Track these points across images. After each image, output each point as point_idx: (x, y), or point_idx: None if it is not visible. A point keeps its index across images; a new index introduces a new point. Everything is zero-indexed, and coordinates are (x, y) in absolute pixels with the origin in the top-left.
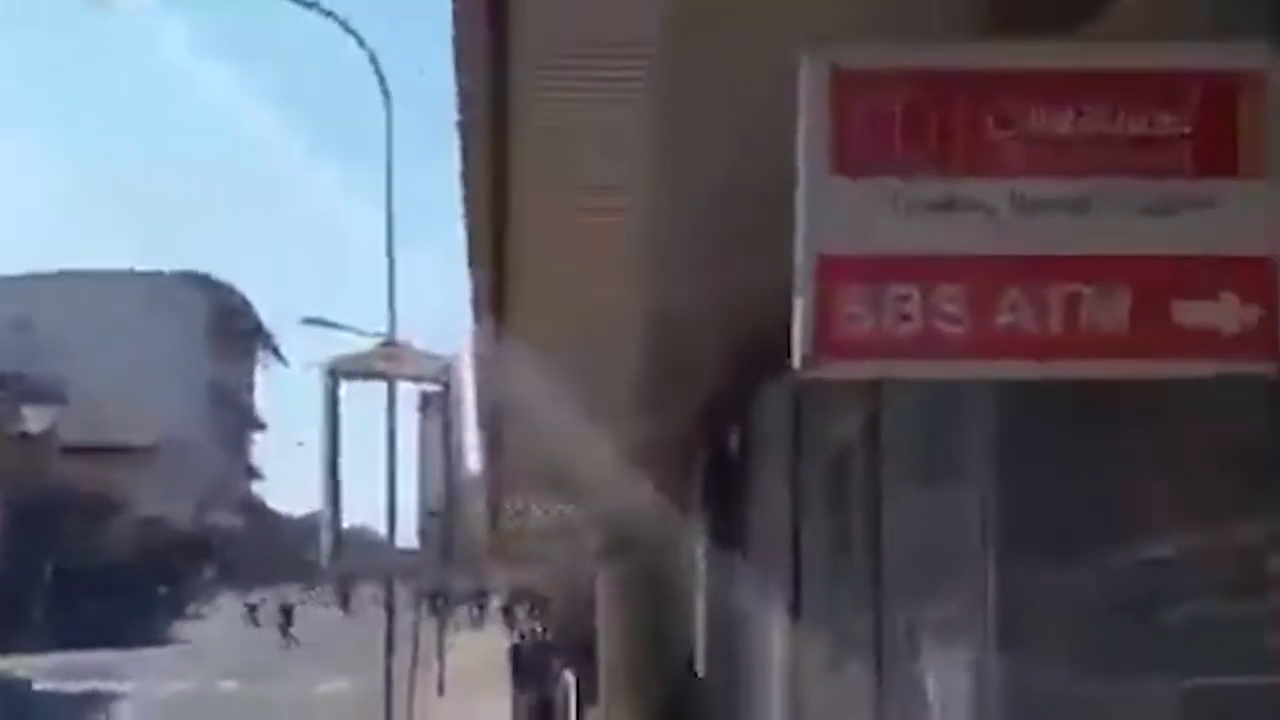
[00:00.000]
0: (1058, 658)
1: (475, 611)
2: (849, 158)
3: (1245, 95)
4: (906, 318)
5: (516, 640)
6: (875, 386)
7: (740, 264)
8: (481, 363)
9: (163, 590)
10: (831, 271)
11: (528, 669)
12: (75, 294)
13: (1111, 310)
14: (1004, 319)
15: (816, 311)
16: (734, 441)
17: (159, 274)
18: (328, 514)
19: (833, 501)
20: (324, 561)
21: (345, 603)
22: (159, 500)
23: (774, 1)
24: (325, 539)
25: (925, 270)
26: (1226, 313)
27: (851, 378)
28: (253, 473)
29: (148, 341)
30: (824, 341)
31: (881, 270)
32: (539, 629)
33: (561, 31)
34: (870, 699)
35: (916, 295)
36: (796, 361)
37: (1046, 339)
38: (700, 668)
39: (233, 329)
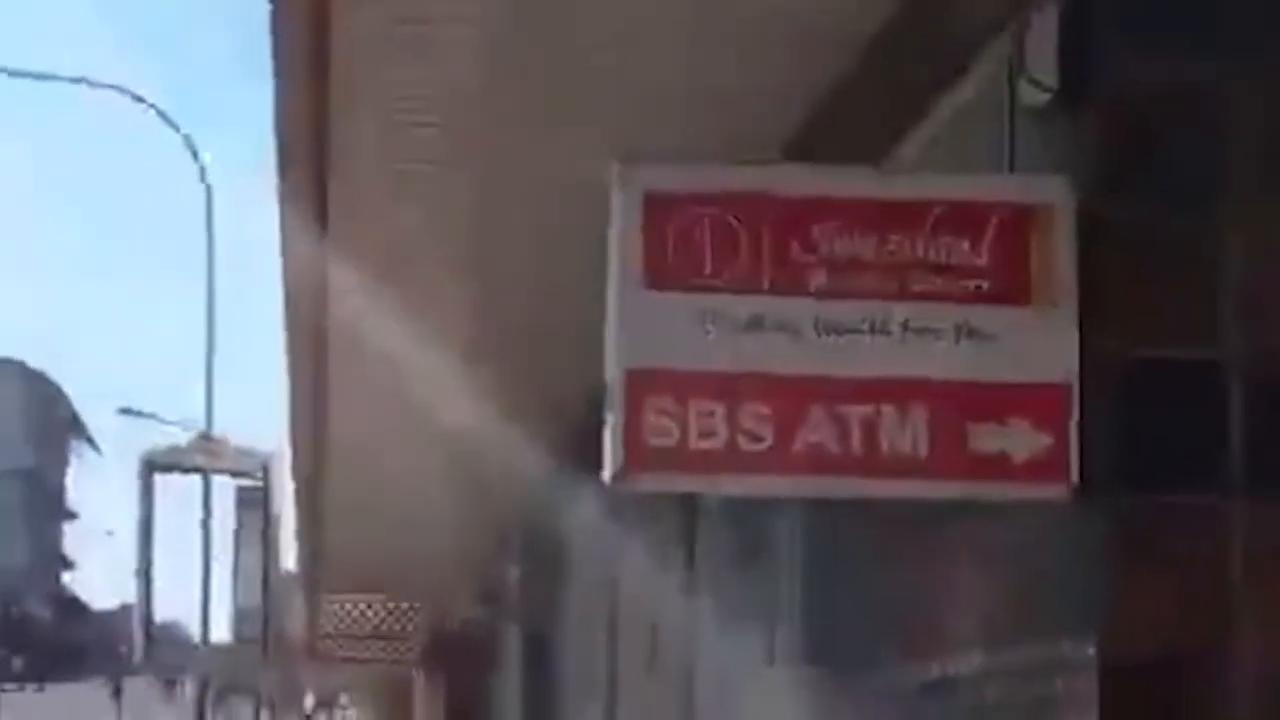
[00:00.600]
0: None
1: (287, 710)
2: (659, 274)
3: (1039, 227)
4: (711, 433)
5: None
6: (685, 496)
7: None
8: (299, 459)
9: None
10: (640, 385)
11: None
12: None
13: (908, 432)
14: (807, 437)
15: (625, 425)
16: (543, 551)
17: None
18: (140, 607)
19: (641, 603)
20: (136, 655)
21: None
22: None
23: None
24: (138, 631)
25: (731, 387)
26: (1019, 438)
27: (659, 490)
28: (63, 562)
29: None
30: (633, 456)
31: (689, 385)
32: None
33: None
34: None
35: (722, 411)
36: (607, 476)
37: (847, 459)
38: None
39: (46, 417)
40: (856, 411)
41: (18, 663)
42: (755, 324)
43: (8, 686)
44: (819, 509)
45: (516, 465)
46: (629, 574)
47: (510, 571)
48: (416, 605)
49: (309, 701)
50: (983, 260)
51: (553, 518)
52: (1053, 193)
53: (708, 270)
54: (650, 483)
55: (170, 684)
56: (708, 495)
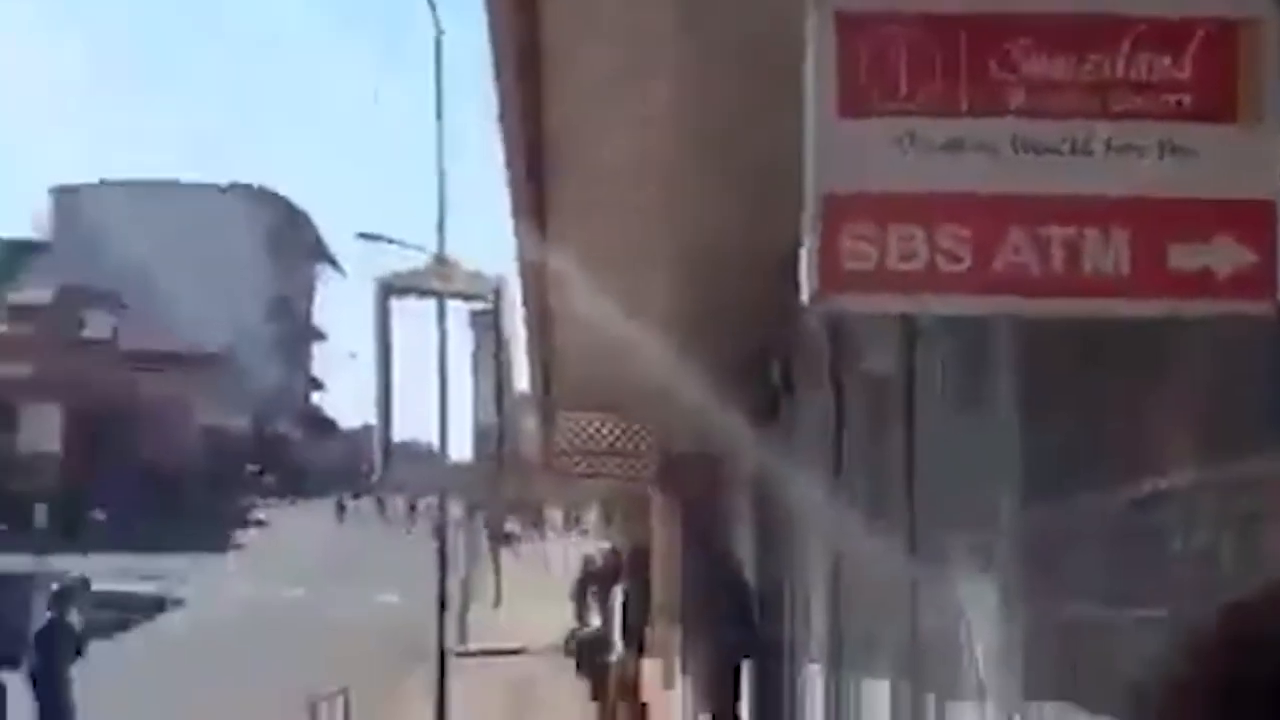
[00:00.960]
0: (1079, 585)
1: (527, 526)
2: (854, 98)
3: (1245, 42)
4: (910, 256)
5: (589, 552)
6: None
7: (775, 184)
8: (529, 278)
9: (222, 497)
10: (837, 210)
11: (597, 583)
12: (139, 203)
13: (1110, 251)
14: (1007, 258)
15: (823, 249)
16: (776, 366)
17: (219, 186)
18: (380, 426)
19: (870, 427)
20: (377, 473)
21: (401, 514)
22: (220, 408)
23: None
24: (378, 450)
25: (929, 209)
26: (1223, 255)
27: (857, 311)
28: (312, 383)
29: (210, 252)
30: (830, 277)
31: (886, 209)
32: (606, 543)
33: None
34: (906, 607)
35: (920, 234)
36: (804, 296)
37: (1047, 278)
38: (752, 586)
39: (292, 241)
40: (1057, 231)
41: (271, 479)
42: (953, 145)
43: (264, 501)
44: (1028, 335)
45: (744, 291)
46: (854, 404)
47: (741, 398)
48: (649, 427)
49: (547, 516)
50: (1186, 76)
51: (783, 344)
52: (1260, 6)
53: (904, 92)
54: (847, 304)
55: (405, 505)
56: (925, 326)
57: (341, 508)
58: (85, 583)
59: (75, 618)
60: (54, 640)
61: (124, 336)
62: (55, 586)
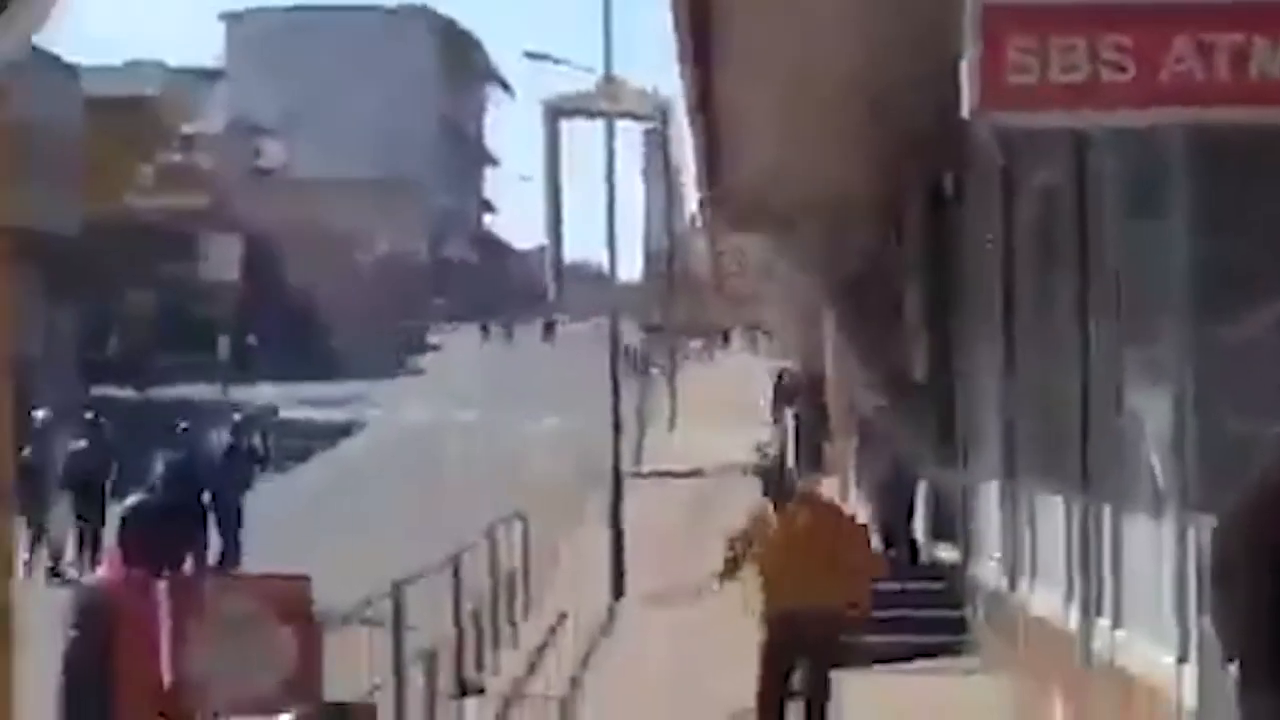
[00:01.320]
0: (1250, 398)
1: (699, 347)
2: None
3: None
4: (1073, 68)
5: (778, 372)
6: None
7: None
8: (697, 97)
9: (398, 322)
10: (998, 23)
11: (786, 398)
12: (309, 28)
13: (1277, 60)
14: (1170, 67)
15: (984, 62)
16: (948, 178)
17: (387, 7)
18: (551, 249)
19: (1042, 237)
20: (549, 294)
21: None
22: (395, 234)
23: None
24: (550, 273)
25: (1092, 20)
26: None
27: (1019, 126)
28: (485, 206)
29: (381, 75)
30: (991, 92)
31: (1048, 21)
32: (789, 364)
33: None
34: (1077, 418)
35: (1082, 45)
36: (965, 111)
37: (1213, 86)
38: (922, 394)
39: (461, 63)
40: (1224, 39)
41: (445, 303)
42: None
43: (438, 325)
44: (1201, 145)
45: (914, 105)
46: (1025, 215)
47: (914, 209)
48: (822, 243)
49: (719, 336)
50: None
51: (954, 156)
52: None
53: None
54: (1009, 118)
55: (549, 326)
56: (1095, 136)
57: (549, 327)
58: (272, 410)
59: (260, 443)
60: (240, 465)
61: (298, 163)
62: (239, 414)
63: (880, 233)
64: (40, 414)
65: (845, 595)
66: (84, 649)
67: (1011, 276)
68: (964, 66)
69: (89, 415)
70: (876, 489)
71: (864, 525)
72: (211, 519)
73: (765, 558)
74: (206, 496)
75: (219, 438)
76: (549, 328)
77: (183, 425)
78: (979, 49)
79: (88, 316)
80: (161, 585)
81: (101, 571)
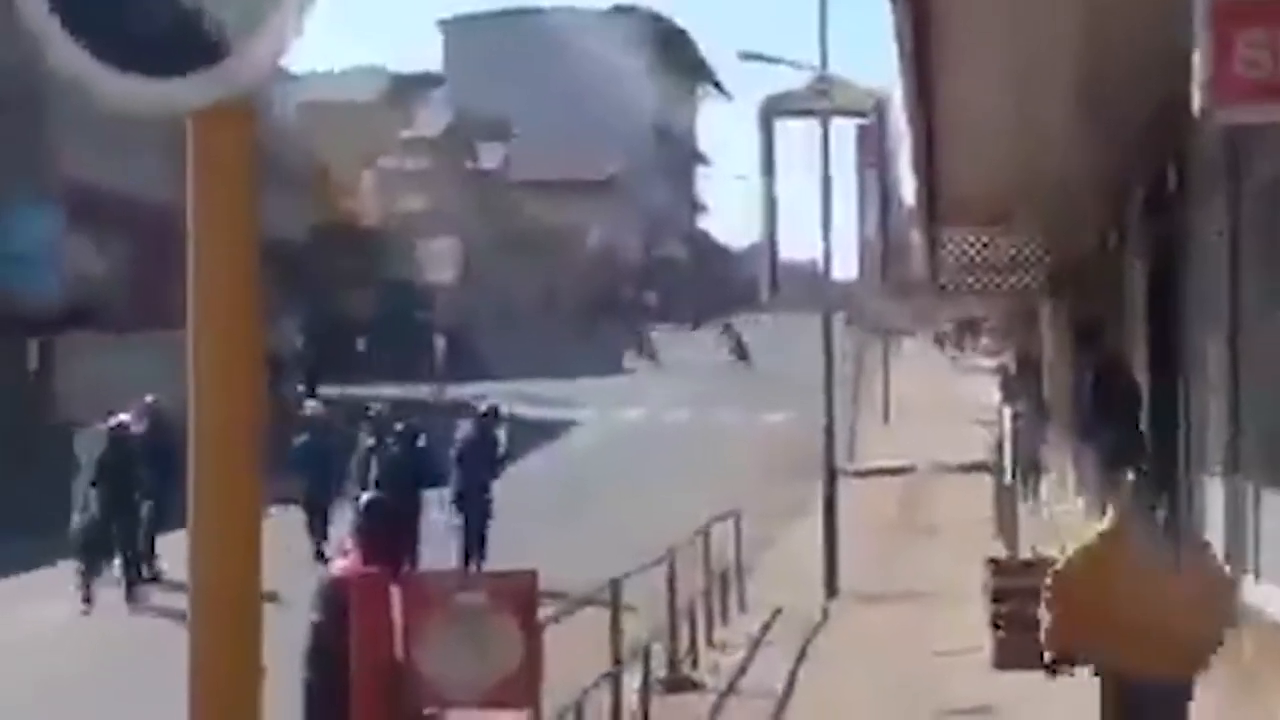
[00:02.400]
0: None
1: (918, 343)
2: None
3: None
4: None
5: (1002, 368)
6: None
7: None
8: (913, 92)
9: (613, 321)
10: (1228, 17)
11: (1009, 395)
12: (523, 30)
13: None
14: None
15: (1214, 57)
16: (1171, 174)
17: (599, 9)
18: (765, 247)
19: (1270, 233)
20: (763, 294)
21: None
22: (609, 233)
23: None
24: (764, 271)
25: None
26: None
27: (1250, 122)
28: (697, 206)
29: (595, 76)
30: (1222, 86)
31: (1278, 14)
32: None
33: None
34: None
35: None
36: (1195, 107)
37: None
38: (1142, 392)
39: (674, 62)
40: None
41: (658, 302)
42: None
43: (652, 325)
44: None
45: (1138, 100)
46: (1252, 209)
47: (1134, 203)
48: (1038, 238)
49: (934, 331)
50: None
51: (1179, 151)
52: None
53: None
54: (1239, 113)
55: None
56: None
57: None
58: (494, 410)
59: (496, 438)
60: (478, 459)
61: (514, 166)
62: (482, 408)
63: (1099, 227)
64: (311, 404)
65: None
66: (324, 635)
67: (1238, 273)
68: (1194, 61)
69: (313, 410)
70: (1094, 484)
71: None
72: (457, 514)
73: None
74: (435, 493)
75: (461, 432)
76: (739, 348)
77: (404, 423)
78: (1209, 43)
79: (311, 318)
80: (396, 577)
81: (339, 562)
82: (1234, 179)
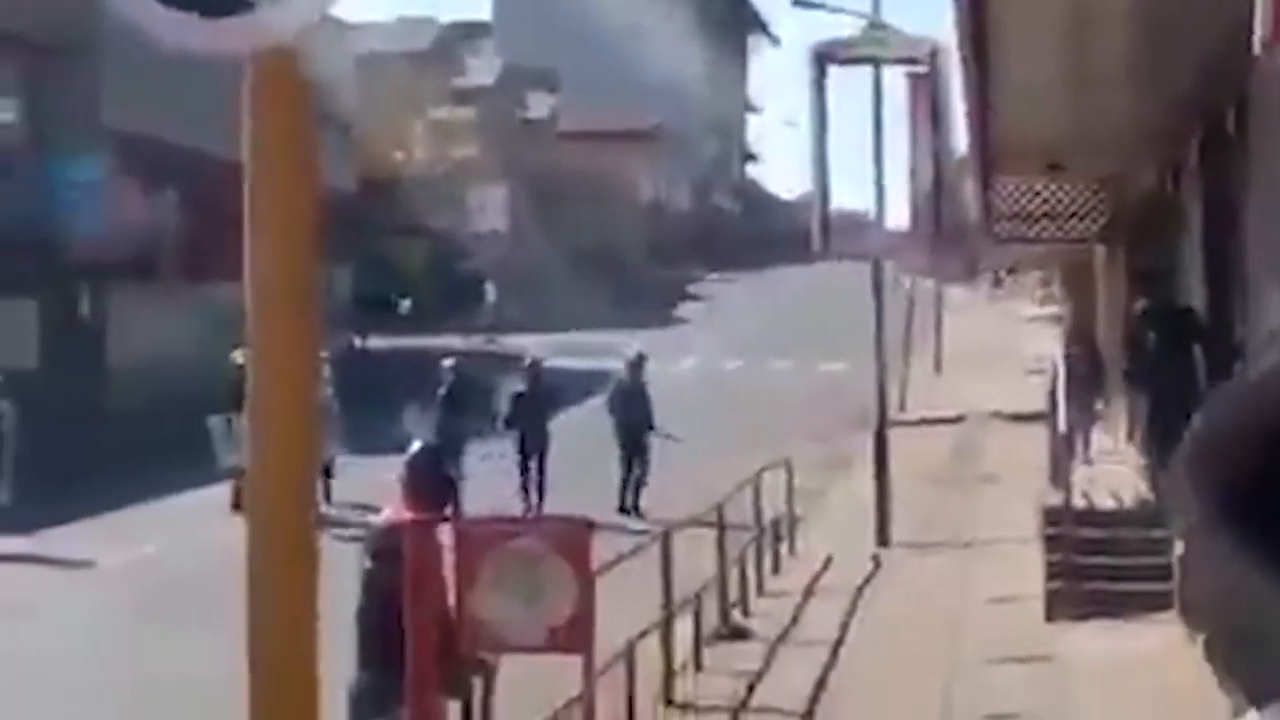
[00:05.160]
0: None
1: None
2: None
3: None
4: None
5: (1060, 311)
6: None
7: None
8: (967, 40)
9: (663, 272)
10: None
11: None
12: None
13: None
14: None
15: None
16: (1230, 117)
17: None
18: (817, 197)
19: None
20: (814, 243)
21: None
22: (658, 184)
23: None
24: (816, 220)
25: None
26: None
27: None
28: (748, 155)
29: (642, 25)
30: None
31: None
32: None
33: None
34: None
35: None
36: (1257, 45)
37: None
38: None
39: (724, 10)
40: None
41: (710, 252)
42: None
43: (703, 274)
44: None
45: (1195, 41)
46: None
47: (1191, 147)
48: (1092, 184)
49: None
50: None
51: (1234, 92)
52: None
53: None
54: None
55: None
56: None
57: None
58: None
59: (543, 389)
60: (528, 409)
61: (564, 115)
62: (528, 360)
63: (1156, 172)
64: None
65: None
66: (377, 582)
67: None
68: (1256, 2)
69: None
70: (1152, 441)
71: None
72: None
73: None
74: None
75: (510, 383)
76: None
77: (450, 364)
78: None
79: (361, 268)
80: (448, 525)
81: (388, 511)
82: None
